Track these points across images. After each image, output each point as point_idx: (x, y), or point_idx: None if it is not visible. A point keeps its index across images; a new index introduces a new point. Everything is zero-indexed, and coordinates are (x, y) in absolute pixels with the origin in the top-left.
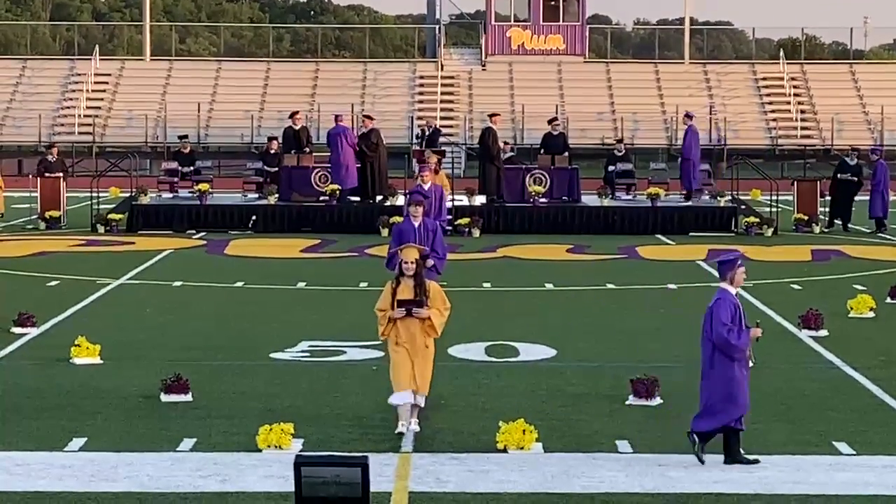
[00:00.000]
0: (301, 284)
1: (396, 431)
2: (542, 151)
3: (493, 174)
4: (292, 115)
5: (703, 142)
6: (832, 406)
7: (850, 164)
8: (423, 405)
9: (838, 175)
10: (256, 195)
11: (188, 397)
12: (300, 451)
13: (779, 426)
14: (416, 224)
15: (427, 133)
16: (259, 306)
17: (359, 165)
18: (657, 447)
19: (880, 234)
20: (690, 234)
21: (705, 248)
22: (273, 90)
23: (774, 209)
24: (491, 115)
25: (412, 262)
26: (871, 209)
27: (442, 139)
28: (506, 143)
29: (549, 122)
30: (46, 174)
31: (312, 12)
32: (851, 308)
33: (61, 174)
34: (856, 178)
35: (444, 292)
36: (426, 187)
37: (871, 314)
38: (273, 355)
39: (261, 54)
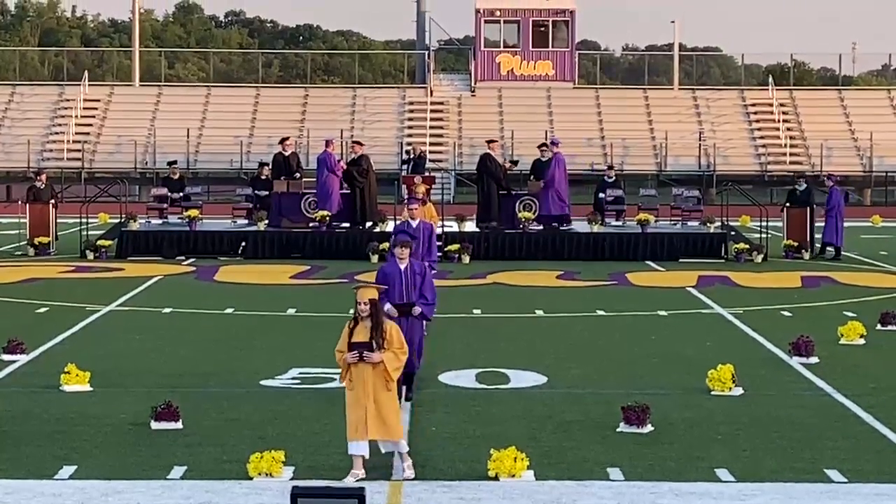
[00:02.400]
0: (291, 311)
1: (346, 479)
2: (531, 177)
3: (496, 200)
4: (282, 142)
5: (693, 168)
6: (823, 433)
7: (799, 190)
8: (404, 450)
9: (787, 204)
10: (246, 221)
11: (178, 425)
12: (291, 478)
13: (770, 454)
14: (403, 267)
15: (413, 158)
16: (249, 333)
17: (348, 192)
18: (649, 475)
19: (869, 262)
20: (680, 260)
21: (695, 275)
22: (262, 116)
23: (764, 235)
24: (489, 142)
25: (366, 304)
26: (825, 235)
27: (431, 165)
28: (512, 163)
29: (539, 147)
30: (35, 200)
31: (301, 38)
32: (842, 335)
33: (51, 201)
34: (807, 206)
35: (402, 335)
36: (414, 224)
37: (862, 341)
38: (263, 382)
39: (250, 80)
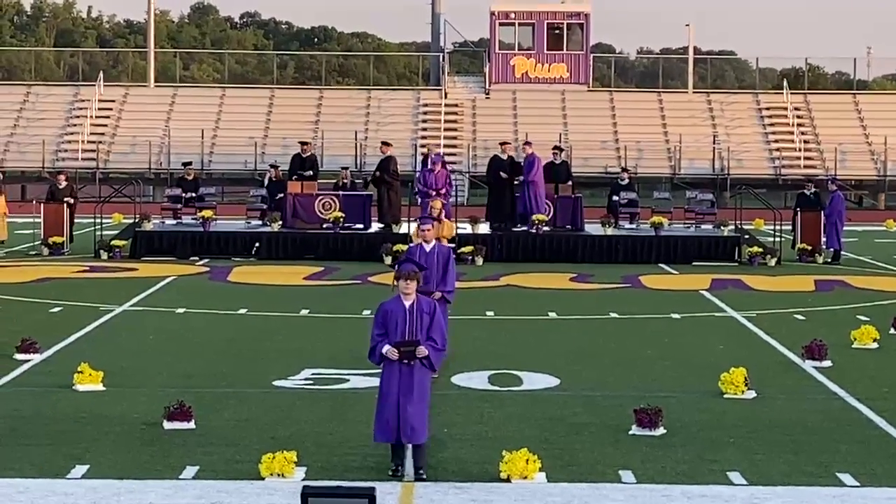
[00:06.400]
0: (304, 312)
1: None
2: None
3: (509, 201)
4: (302, 145)
5: (706, 171)
6: (836, 437)
7: (807, 194)
8: None
9: (798, 209)
10: (260, 222)
11: (191, 425)
12: (303, 479)
13: (782, 457)
14: (408, 304)
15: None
16: (262, 334)
17: (371, 194)
18: (661, 477)
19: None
20: (694, 263)
21: (709, 278)
22: (277, 117)
23: (778, 239)
24: (502, 144)
25: None
26: (826, 240)
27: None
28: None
29: (552, 150)
30: (55, 201)
31: (316, 39)
32: (855, 339)
33: (67, 199)
34: (818, 209)
35: None
36: (427, 248)
37: (875, 345)
38: (276, 383)
39: (265, 81)
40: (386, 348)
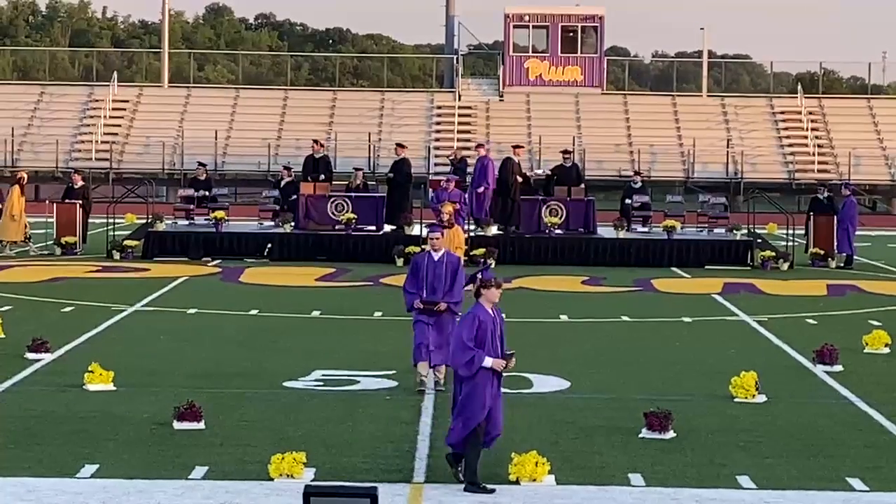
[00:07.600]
0: (315, 313)
1: None
2: (554, 178)
3: (508, 206)
4: (315, 143)
5: (720, 175)
6: (846, 441)
7: (821, 198)
8: None
9: (811, 213)
10: (272, 223)
11: (201, 425)
12: (312, 480)
13: (792, 461)
14: (492, 313)
15: (454, 163)
16: (273, 334)
17: (384, 195)
18: (670, 481)
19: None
20: (706, 267)
21: (721, 282)
22: (291, 118)
23: (791, 243)
24: (515, 147)
25: None
26: (838, 245)
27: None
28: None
29: (562, 153)
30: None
31: (331, 41)
32: (867, 343)
33: (78, 201)
34: (832, 213)
35: None
36: (436, 256)
37: (887, 350)
38: (286, 384)
39: (279, 82)
40: (490, 361)
